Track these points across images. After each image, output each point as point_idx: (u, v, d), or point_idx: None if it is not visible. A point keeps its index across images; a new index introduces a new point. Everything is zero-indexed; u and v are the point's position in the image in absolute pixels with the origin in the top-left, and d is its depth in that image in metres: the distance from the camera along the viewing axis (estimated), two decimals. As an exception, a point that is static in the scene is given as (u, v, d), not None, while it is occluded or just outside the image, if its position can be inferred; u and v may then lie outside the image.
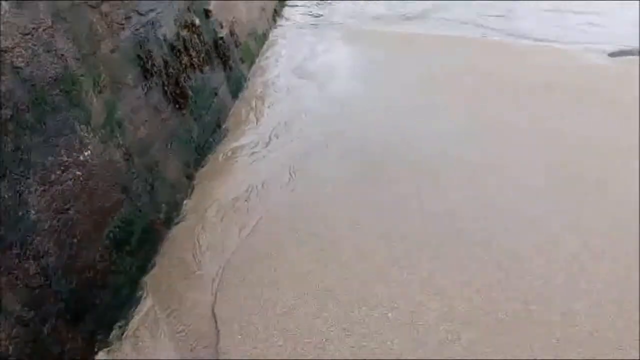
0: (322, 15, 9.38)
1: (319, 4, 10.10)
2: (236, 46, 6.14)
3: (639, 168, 3.99)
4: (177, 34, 4.53)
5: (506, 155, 4.28)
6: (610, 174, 3.94)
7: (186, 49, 4.62)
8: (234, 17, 6.34)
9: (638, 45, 7.30)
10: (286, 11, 9.42)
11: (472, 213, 3.58)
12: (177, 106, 4.18)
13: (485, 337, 2.67)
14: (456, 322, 2.76)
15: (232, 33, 6.10)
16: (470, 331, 2.71)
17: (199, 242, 3.46)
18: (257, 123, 5.10)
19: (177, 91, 4.22)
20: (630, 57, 6.86)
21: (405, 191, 3.87)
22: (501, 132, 4.66)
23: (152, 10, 4.13)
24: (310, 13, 9.51)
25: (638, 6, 8.94)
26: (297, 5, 9.97)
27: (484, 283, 2.99)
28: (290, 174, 4.21)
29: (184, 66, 4.47)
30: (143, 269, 3.24)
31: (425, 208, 3.68)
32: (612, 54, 6.99)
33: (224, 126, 5.01)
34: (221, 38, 5.57)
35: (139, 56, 3.75)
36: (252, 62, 6.61)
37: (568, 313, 2.77)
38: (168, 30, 4.34)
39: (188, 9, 4.93)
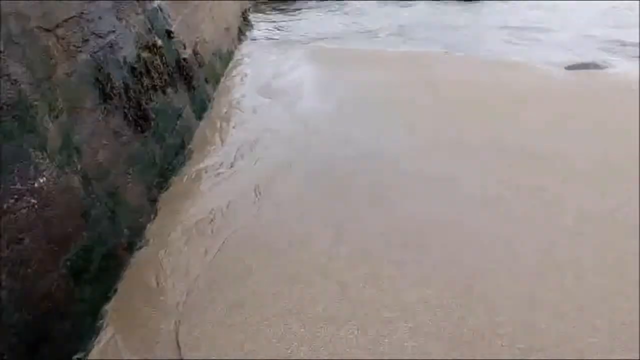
0: (287, 34, 9.45)
1: (285, 23, 10.19)
2: (200, 66, 6.12)
3: (598, 178, 4.09)
4: (138, 56, 4.49)
5: (469, 170, 4.34)
6: (571, 186, 4.03)
7: (148, 70, 4.58)
8: (197, 37, 6.32)
9: (593, 58, 7.57)
10: (251, 30, 9.46)
11: (437, 229, 3.60)
12: (138, 129, 4.13)
13: (453, 351, 2.67)
14: (424, 338, 2.76)
15: (195, 53, 6.08)
16: (439, 346, 2.70)
17: (162, 267, 3.40)
18: (222, 144, 5.06)
19: (139, 114, 4.17)
20: (586, 70, 7.08)
21: (370, 209, 3.88)
22: (463, 147, 4.73)
23: (111, 32, 4.09)
24: (276, 32, 9.58)
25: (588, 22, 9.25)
26: (262, 25, 10.03)
27: (449, 297, 3.00)
28: (255, 194, 4.18)
29: (145, 88, 4.42)
30: (104, 297, 3.16)
31: (390, 224, 3.69)
32: (569, 67, 7.21)
33: (188, 148, 4.96)
34: (184, 59, 5.54)
35: (97, 79, 3.70)
36: (217, 82, 6.59)
37: (532, 324, 2.79)
38: (128, 52, 4.30)
39: (149, 30, 4.89)
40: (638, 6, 11.24)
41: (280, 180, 4.36)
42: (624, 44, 8.37)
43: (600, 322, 2.78)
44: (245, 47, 8.31)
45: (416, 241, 3.49)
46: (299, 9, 11.39)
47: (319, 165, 4.59)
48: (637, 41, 8.45)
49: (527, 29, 9.26)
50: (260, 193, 4.18)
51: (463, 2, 12.43)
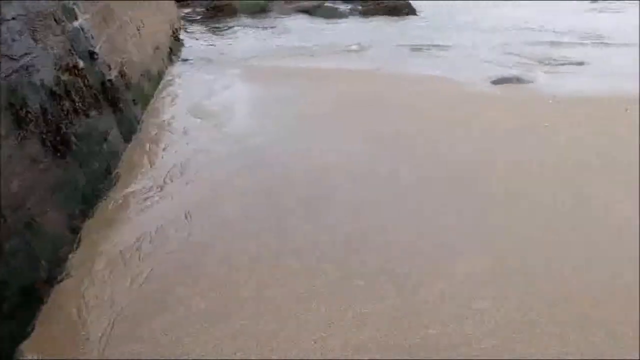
0: (220, 53, 9.39)
1: (218, 42, 10.12)
2: (127, 88, 5.95)
3: (529, 189, 4.27)
4: (58, 78, 4.30)
5: (403, 183, 4.43)
6: (506, 195, 4.20)
7: (68, 93, 4.40)
8: (124, 58, 6.15)
9: (516, 73, 7.95)
10: (183, 49, 9.33)
11: (369, 242, 3.63)
12: (58, 155, 3.94)
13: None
14: (361, 356, 2.75)
15: (122, 74, 5.91)
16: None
17: (85, 299, 3.23)
18: (151, 167, 4.92)
19: (58, 139, 3.99)
20: (511, 84, 7.43)
21: (305, 226, 3.87)
22: (397, 160, 4.83)
23: (26, 54, 3.90)
24: (209, 51, 9.49)
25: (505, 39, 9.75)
26: (195, 44, 9.92)
27: (386, 311, 3.01)
28: (186, 217, 4.08)
29: (65, 112, 4.23)
30: (21, 335, 2.96)
31: (323, 240, 3.69)
32: (495, 82, 7.54)
33: (115, 172, 4.79)
34: (109, 80, 5.37)
35: (11, 104, 3.51)
36: (146, 104, 6.43)
37: (466, 334, 2.84)
38: (46, 74, 4.11)
39: (70, 51, 4.71)
40: (545, 26, 11.96)
41: (212, 203, 4.28)
42: (540, 59, 8.85)
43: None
44: (177, 67, 8.18)
45: (349, 256, 3.50)
46: (232, 28, 11.38)
47: (253, 184, 4.54)
48: (552, 56, 8.99)
49: (452, 47, 9.62)
50: (190, 217, 4.08)
51: (391, 17, 12.83)
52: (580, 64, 8.67)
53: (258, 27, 11.25)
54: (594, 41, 10.78)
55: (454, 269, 3.35)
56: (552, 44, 10.64)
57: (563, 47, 10.25)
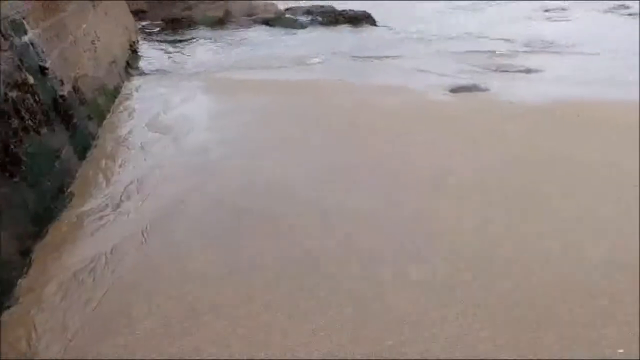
0: (179, 65, 9.29)
1: (177, 55, 10.01)
2: (82, 103, 5.80)
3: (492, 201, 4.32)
4: (6, 95, 4.15)
5: (362, 196, 4.43)
6: (460, 207, 4.23)
7: (17, 111, 4.25)
8: (77, 73, 6.00)
9: (473, 81, 8.10)
10: (141, 63, 9.18)
11: (330, 257, 3.60)
12: (7, 174, 3.79)
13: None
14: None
15: (76, 90, 5.76)
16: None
17: (35, 327, 3.10)
18: (106, 184, 4.79)
19: (7, 158, 3.84)
20: (468, 92, 7.56)
21: (263, 242, 3.82)
22: (359, 170, 4.84)
23: (-30, 72, 3.75)
24: (168, 64, 9.38)
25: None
26: (153, 57, 9.78)
27: (342, 326, 2.99)
28: (143, 236, 3.97)
29: (14, 130, 4.09)
30: (-35, 367, 2.82)
31: (284, 256, 3.65)
32: (453, 90, 7.66)
33: (68, 191, 4.64)
34: (62, 96, 5.23)
35: (-47, 124, 3.36)
36: (102, 119, 6.28)
37: (424, 347, 2.84)
38: (-8, 92, 3.96)
39: (18, 67, 4.56)
40: (500, 34, 12.29)
41: (169, 220, 4.18)
42: (496, 67, 9.06)
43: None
44: (134, 81, 8.03)
45: (311, 274, 3.46)
46: (191, 40, 11.27)
47: (213, 200, 4.47)
48: (507, 64, 9.23)
49: (410, 57, 9.77)
50: (147, 235, 3.98)
51: (352, 27, 12.94)
52: (534, 71, 8.91)
53: (217, 39, 11.17)
54: (545, 49, 11.12)
55: (412, 278, 3.36)
56: (506, 52, 10.92)
57: (517, 55, 10.53)
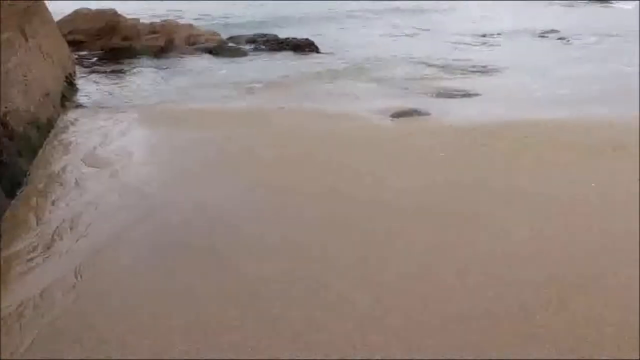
0: (119, 96, 9.09)
1: (117, 86, 9.80)
2: (11, 139, 5.54)
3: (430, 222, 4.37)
4: None
5: (306, 223, 4.40)
6: (399, 231, 4.25)
7: (-64, 150, 4.00)
8: (7, 107, 5.74)
9: (414, 105, 8.26)
10: (78, 94, 8.91)
11: (271, 290, 3.53)
12: None
13: None
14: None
15: (4, 125, 5.50)
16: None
17: (-48, 383, 2.86)
18: (37, 223, 4.55)
19: None
20: (409, 117, 7.72)
21: (205, 279, 3.71)
22: (301, 199, 4.82)
23: None
24: (107, 95, 9.15)
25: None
26: (91, 88, 9.53)
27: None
28: (76, 277, 3.77)
29: None
30: None
31: (223, 291, 3.55)
32: (394, 115, 7.80)
33: (-5, 232, 4.38)
34: (-12, 132, 4.98)
35: None
36: (34, 155, 6.00)
37: None
38: None
39: (-62, 104, 4.32)
40: (440, 58, 12.75)
41: (105, 259, 4.01)
42: (436, 91, 9.32)
43: None
44: (70, 114, 7.75)
45: (255, 304, 3.37)
46: (131, 70, 11.06)
47: (152, 236, 4.32)
48: (447, 87, 9.52)
49: (352, 83, 9.94)
50: (81, 276, 3.78)
51: (295, 54, 13.09)
52: (473, 94, 9.23)
53: (158, 69, 11.02)
54: (483, 73, 11.58)
55: (358, 306, 3.33)
56: (446, 76, 11.30)
57: (456, 79, 10.93)
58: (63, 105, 7.93)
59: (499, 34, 18.78)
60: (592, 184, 4.96)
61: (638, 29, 18.39)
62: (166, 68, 11.16)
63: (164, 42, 12.67)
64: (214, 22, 19.12)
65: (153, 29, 13.13)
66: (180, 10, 19.27)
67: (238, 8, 22.05)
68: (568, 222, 4.34)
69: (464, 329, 3.11)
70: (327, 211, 4.63)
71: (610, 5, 34.74)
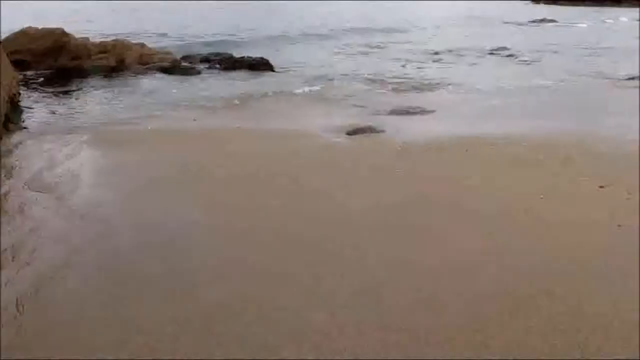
0: (67, 118, 8.83)
1: (65, 107, 9.51)
2: (-52, 164, 5.26)
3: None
4: None
5: (259, 243, 4.32)
6: (354, 244, 4.24)
7: None
8: (-56, 131, 5.46)
9: (369, 123, 8.34)
10: (23, 116, 8.59)
11: (230, 312, 3.43)
12: None
13: None
14: None
15: (-59, 150, 5.22)
16: None
17: None
18: (-24, 253, 4.30)
19: None
20: (364, 134, 7.78)
21: (158, 303, 3.57)
22: (254, 218, 4.74)
23: None
24: (54, 117, 8.86)
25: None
26: (37, 110, 9.21)
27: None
28: (18, 309, 3.56)
29: None
30: None
31: (178, 315, 3.41)
32: (349, 133, 7.84)
33: None
34: None
35: None
36: (-25, 180, 5.72)
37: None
38: None
39: None
40: (392, 76, 13.00)
41: (50, 288, 3.80)
42: (391, 109, 9.44)
43: None
44: (15, 137, 7.45)
45: (210, 330, 3.26)
46: (81, 90, 10.77)
47: (101, 261, 4.14)
48: (401, 105, 9.66)
49: (307, 101, 9.97)
50: (24, 307, 3.58)
51: (250, 73, 13.07)
52: (427, 111, 9.39)
53: (108, 89, 10.76)
54: (436, 89, 11.85)
55: (315, 326, 3.27)
56: (401, 93, 11.50)
57: (411, 96, 11.13)
58: (6, 128, 7.61)
59: (450, 51, 19.39)
60: (541, 196, 5.08)
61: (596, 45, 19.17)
62: (116, 88, 10.92)
63: (115, 62, 12.42)
64: (171, 41, 19.05)
65: (103, 48, 12.87)
66: (143, 30, 19.10)
67: (195, 28, 22.01)
68: (518, 234, 4.42)
69: (420, 343, 3.09)
70: (282, 230, 4.57)
71: (562, 24, 36.43)
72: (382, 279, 3.80)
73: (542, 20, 38.84)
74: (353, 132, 7.89)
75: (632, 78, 12.21)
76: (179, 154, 6.58)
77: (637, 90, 11.22)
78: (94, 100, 9.97)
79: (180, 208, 5.03)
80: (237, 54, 14.73)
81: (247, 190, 5.43)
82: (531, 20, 37.88)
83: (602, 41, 24.17)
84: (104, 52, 12.67)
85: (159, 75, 12.39)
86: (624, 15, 42.22)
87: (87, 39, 13.07)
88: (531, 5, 57.31)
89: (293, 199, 5.22)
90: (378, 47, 19.46)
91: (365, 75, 13.28)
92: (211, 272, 3.95)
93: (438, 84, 12.32)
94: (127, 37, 15.13)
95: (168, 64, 13.12)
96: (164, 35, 20.51)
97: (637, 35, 27.71)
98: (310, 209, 4.99)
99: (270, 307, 3.49)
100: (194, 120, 8.63)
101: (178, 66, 13.10)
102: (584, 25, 35.84)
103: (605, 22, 38.27)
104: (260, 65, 13.53)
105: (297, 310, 3.45)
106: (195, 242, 4.38)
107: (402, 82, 12.71)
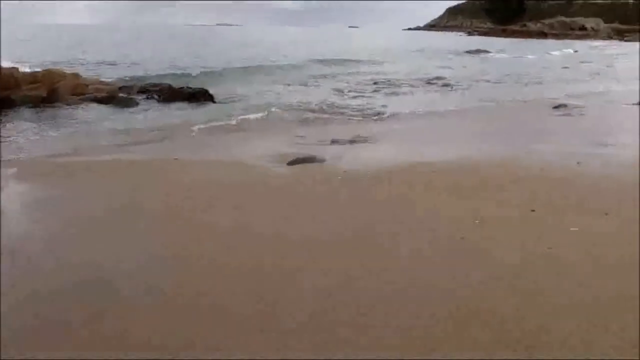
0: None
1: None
2: None
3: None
4: None
5: (194, 284, 4.16)
6: (295, 274, 4.15)
7: None
8: None
9: (310, 152, 8.32)
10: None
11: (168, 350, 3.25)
12: None
13: None
14: None
15: None
16: None
17: None
18: None
19: None
20: (305, 163, 7.76)
21: (90, 342, 3.34)
22: (197, 253, 4.58)
23: None
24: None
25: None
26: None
27: None
28: None
29: None
30: None
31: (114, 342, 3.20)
32: (290, 163, 7.80)
33: None
34: None
35: None
36: None
37: None
38: None
39: None
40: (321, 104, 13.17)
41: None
42: (332, 138, 9.50)
43: None
44: None
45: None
46: (10, 122, 10.27)
47: (21, 311, 3.82)
48: (341, 134, 9.74)
49: (248, 131, 9.91)
50: None
51: (189, 104, 12.91)
52: (368, 140, 9.51)
53: (39, 120, 10.31)
54: (377, 119, 12.07)
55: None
56: (341, 122, 11.64)
57: (351, 125, 11.28)
58: None
59: (389, 81, 19.95)
60: (476, 221, 5.18)
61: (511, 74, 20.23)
62: (47, 119, 10.48)
63: (47, 92, 11.94)
64: (115, 70, 18.66)
65: (34, 78, 12.37)
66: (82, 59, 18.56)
67: (141, 58, 21.63)
68: (457, 257, 4.46)
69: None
70: (221, 263, 4.42)
71: (487, 55, 38.42)
72: (322, 309, 3.72)
73: (477, 51, 40.93)
74: (294, 161, 7.85)
75: (558, 106, 12.87)
76: (111, 187, 6.33)
77: (564, 116, 11.88)
78: (22, 133, 9.49)
79: (112, 246, 4.77)
80: (180, 84, 14.56)
81: (185, 224, 5.25)
82: (466, 50, 39.75)
83: (530, 70, 25.59)
84: (35, 83, 12.17)
85: (94, 105, 12.01)
86: (553, 48, 45.28)
87: (16, 68, 12.53)
88: (465, 37, 60.20)
89: (232, 231, 5.09)
90: (321, 77, 19.77)
91: (307, 106, 13.41)
92: (143, 315, 3.71)
93: (378, 113, 12.57)
94: (72, 65, 14.72)
95: (104, 94, 12.76)
96: (112, 64, 20.12)
97: (563, 66, 29.60)
98: (249, 239, 4.88)
99: (215, 348, 3.33)
100: (130, 152, 8.38)
101: (115, 97, 12.75)
102: (510, 55, 38.06)
103: (546, 54, 40.65)
104: (200, 96, 13.38)
105: (242, 346, 3.31)
106: (127, 284, 4.13)
107: (344, 112, 12.91)
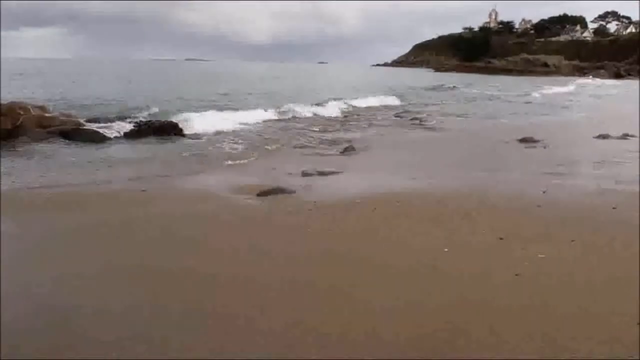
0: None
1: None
2: None
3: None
4: None
5: (159, 313, 4.01)
6: (261, 307, 4.04)
7: None
8: None
9: (279, 184, 8.25)
10: None
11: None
12: None
13: None
14: None
15: None
16: None
17: None
18: None
19: None
20: (276, 195, 7.68)
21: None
22: (170, 292, 4.42)
23: None
24: None
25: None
26: None
27: None
28: None
29: None
30: None
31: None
32: (260, 194, 7.72)
33: None
34: None
35: None
36: None
37: None
38: None
39: None
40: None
41: None
42: (303, 170, 9.46)
43: None
44: None
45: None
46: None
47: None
48: (312, 166, 9.74)
49: (218, 162, 9.83)
50: None
51: (159, 138, 12.75)
52: (336, 172, 9.50)
53: (13, 157, 9.96)
54: (346, 152, 12.11)
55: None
56: (310, 155, 11.64)
57: (320, 157, 11.30)
58: None
59: (358, 115, 20.22)
60: (445, 249, 5.18)
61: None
62: (10, 153, 10.18)
63: (10, 126, 11.65)
64: (82, 102, 18.43)
65: (-5, 111, 12.05)
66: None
67: (109, 89, 21.45)
68: (425, 288, 4.42)
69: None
70: (187, 297, 4.28)
71: (456, 90, 39.47)
72: (289, 343, 3.62)
73: (442, 86, 42.13)
74: (264, 193, 7.79)
75: (522, 140, 13.17)
76: (78, 220, 6.16)
77: (528, 148, 12.18)
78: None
79: (75, 282, 4.59)
80: (151, 117, 14.43)
81: (152, 256, 5.12)
82: (436, 85, 40.81)
83: (498, 106, 26.33)
84: (-1, 114, 11.88)
85: (59, 140, 11.76)
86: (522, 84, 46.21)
87: (-25, 103, 12.23)
88: (432, 73, 61.81)
89: (199, 263, 4.96)
90: (293, 116, 19.76)
91: (279, 140, 13.43)
92: (105, 350, 3.56)
93: (348, 147, 12.64)
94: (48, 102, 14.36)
95: (70, 127, 12.52)
96: (83, 98, 19.88)
97: (525, 101, 30.60)
98: (217, 271, 4.76)
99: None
100: (96, 184, 8.19)
101: (81, 130, 12.52)
102: (479, 91, 39.14)
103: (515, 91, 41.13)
104: (170, 129, 13.26)
105: None
106: (91, 322, 3.96)
107: (312, 144, 12.98)
